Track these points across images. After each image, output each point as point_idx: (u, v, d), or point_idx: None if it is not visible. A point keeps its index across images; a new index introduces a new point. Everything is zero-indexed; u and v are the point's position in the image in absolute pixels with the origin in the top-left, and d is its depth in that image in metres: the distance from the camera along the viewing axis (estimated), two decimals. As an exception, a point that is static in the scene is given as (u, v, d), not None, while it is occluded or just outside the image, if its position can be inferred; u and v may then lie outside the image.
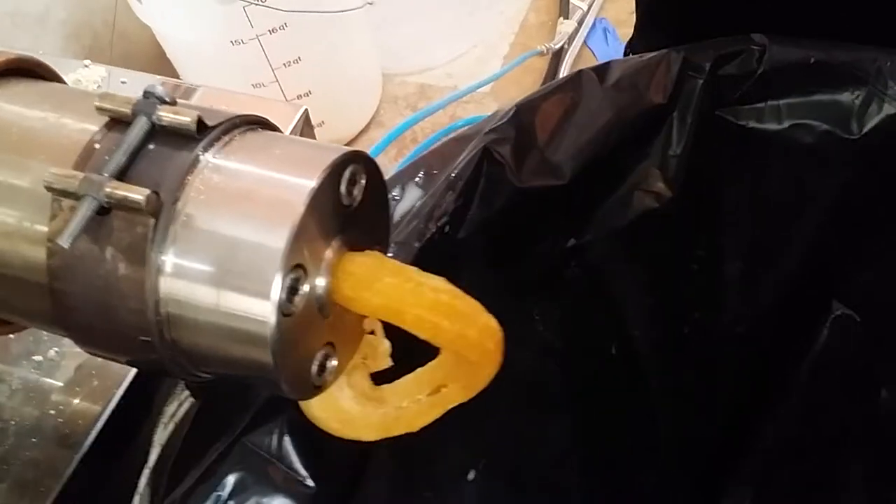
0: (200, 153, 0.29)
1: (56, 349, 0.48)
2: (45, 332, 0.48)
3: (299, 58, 1.01)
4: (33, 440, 0.45)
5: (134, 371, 0.47)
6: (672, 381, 0.53)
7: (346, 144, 1.12)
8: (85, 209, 0.28)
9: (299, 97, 1.05)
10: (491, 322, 0.32)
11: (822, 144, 0.45)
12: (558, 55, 1.17)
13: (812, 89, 0.44)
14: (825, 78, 0.44)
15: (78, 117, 0.31)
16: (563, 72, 1.16)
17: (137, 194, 0.27)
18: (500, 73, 1.11)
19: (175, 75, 1.05)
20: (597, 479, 0.53)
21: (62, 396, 0.47)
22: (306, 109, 0.58)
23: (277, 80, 1.02)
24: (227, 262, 0.28)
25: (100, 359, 0.49)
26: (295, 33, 0.98)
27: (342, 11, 1.00)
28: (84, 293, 0.29)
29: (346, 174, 0.30)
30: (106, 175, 0.28)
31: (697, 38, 0.46)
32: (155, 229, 0.28)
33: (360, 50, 1.11)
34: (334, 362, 0.32)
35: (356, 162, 0.31)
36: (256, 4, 0.92)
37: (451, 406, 0.34)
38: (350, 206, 0.31)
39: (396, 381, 0.35)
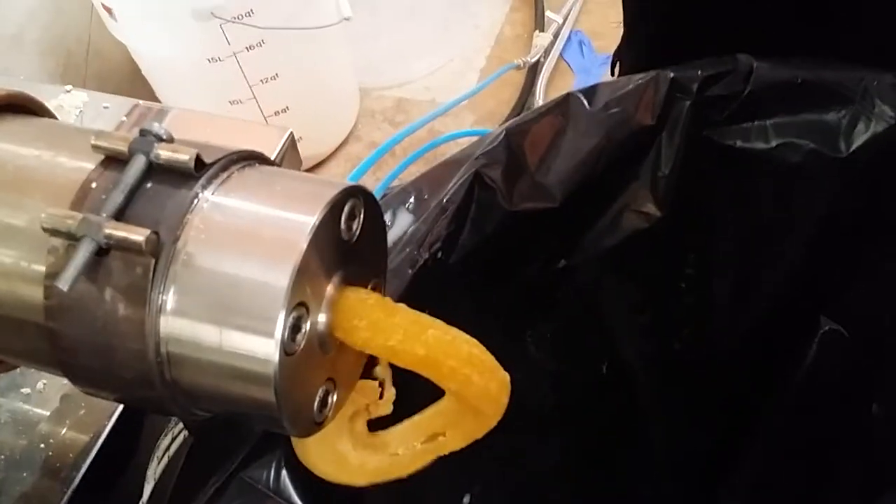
0: (199, 191, 0.29)
1: (44, 381, 0.47)
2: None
3: (277, 74, 1.01)
4: (24, 474, 0.44)
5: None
6: (664, 397, 0.53)
7: (325, 159, 1.13)
8: (84, 251, 0.27)
9: (277, 113, 1.04)
10: (506, 376, 0.32)
11: (810, 163, 0.45)
12: (535, 68, 1.18)
13: (799, 109, 0.45)
14: (812, 97, 0.44)
15: (73, 155, 0.31)
16: (540, 84, 1.16)
17: (137, 235, 0.27)
18: (479, 88, 1.11)
19: (150, 93, 1.04)
20: (592, 496, 0.53)
21: (51, 428, 0.46)
22: (291, 133, 0.57)
23: (255, 97, 1.01)
24: (229, 301, 0.28)
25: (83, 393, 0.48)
26: (272, 50, 0.97)
27: (319, 28, 1.00)
28: (82, 334, 0.29)
29: (346, 209, 0.30)
30: (104, 215, 0.28)
31: (683, 50, 0.46)
32: (155, 269, 0.28)
33: (338, 65, 1.11)
34: (335, 397, 0.32)
35: (355, 196, 0.31)
36: (234, 22, 0.92)
37: (445, 453, 0.34)
38: (349, 241, 0.31)
39: (394, 428, 0.35)
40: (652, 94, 0.45)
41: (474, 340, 0.31)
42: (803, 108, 0.45)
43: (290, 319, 0.28)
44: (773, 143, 0.46)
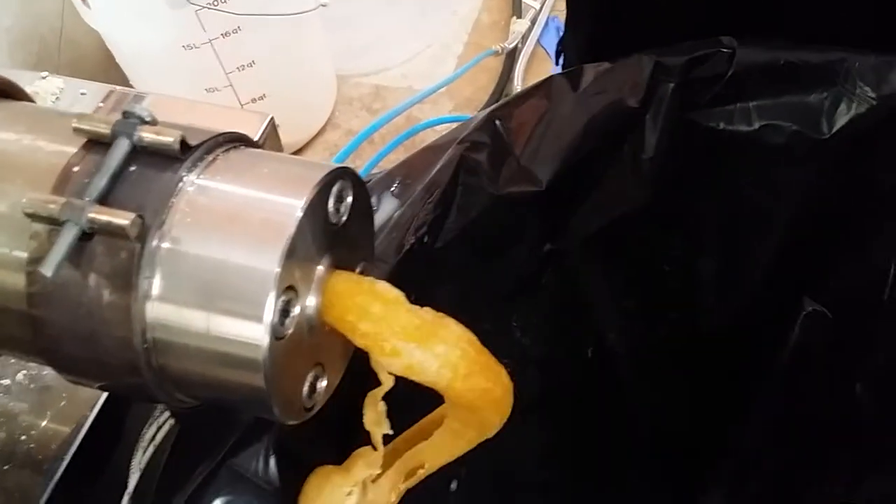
0: (185, 174, 0.28)
1: (24, 372, 0.47)
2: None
3: (253, 61, 0.99)
4: (5, 467, 0.43)
5: (104, 393, 0.46)
6: (649, 381, 0.53)
7: (303, 147, 1.12)
8: (67, 236, 0.27)
9: (254, 100, 1.03)
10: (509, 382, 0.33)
11: (793, 144, 0.45)
12: (512, 54, 1.17)
13: (781, 91, 0.45)
14: (794, 79, 0.45)
15: (54, 139, 0.30)
16: (518, 70, 1.16)
17: (122, 219, 0.27)
18: (457, 75, 1.10)
19: (124, 81, 1.02)
20: (580, 479, 0.53)
21: (32, 420, 0.46)
22: (272, 119, 0.57)
23: (231, 85, 1.00)
24: (216, 285, 0.27)
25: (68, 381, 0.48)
26: (248, 37, 0.96)
27: (296, 14, 0.99)
28: (66, 321, 0.28)
29: (334, 191, 0.30)
30: (88, 199, 0.27)
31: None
32: (141, 254, 0.27)
33: (315, 52, 1.10)
34: (324, 382, 0.32)
35: (343, 179, 0.30)
36: (209, 8, 0.91)
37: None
38: (337, 224, 0.30)
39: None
40: (636, 77, 0.45)
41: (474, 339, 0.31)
42: (786, 90, 0.45)
43: (280, 303, 0.27)
44: (756, 125, 0.46)
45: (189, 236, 0.28)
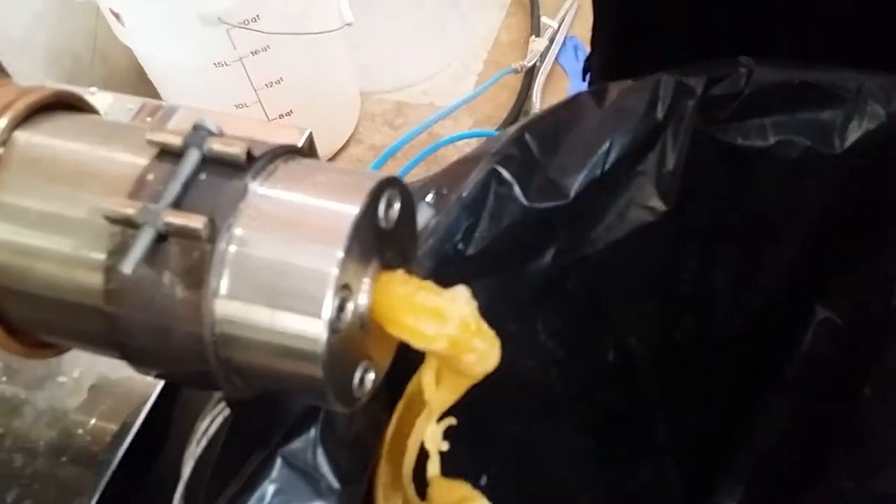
0: (250, 182, 0.31)
1: (78, 370, 0.49)
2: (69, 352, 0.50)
3: (281, 78, 1.03)
4: (62, 459, 0.46)
5: (156, 389, 0.49)
6: (666, 383, 0.56)
7: (328, 161, 1.15)
8: (145, 237, 0.29)
9: (281, 116, 1.07)
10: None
11: (806, 159, 0.48)
12: (531, 72, 1.20)
13: (796, 108, 0.47)
14: (808, 97, 0.47)
15: (127, 149, 0.33)
16: (536, 88, 1.19)
17: (195, 222, 0.29)
18: (478, 93, 1.14)
19: (156, 96, 1.06)
20: (600, 477, 0.55)
21: (86, 416, 0.48)
22: (310, 133, 0.60)
23: (260, 101, 1.04)
24: (279, 284, 0.30)
25: (112, 377, 0.51)
26: (277, 55, 1.00)
27: (322, 32, 1.02)
28: (141, 316, 0.31)
29: (384, 198, 0.32)
30: (163, 204, 0.30)
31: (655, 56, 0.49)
32: (211, 254, 0.30)
33: (340, 69, 1.13)
34: (372, 375, 0.34)
35: (392, 187, 0.33)
36: (240, 27, 0.94)
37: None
38: (386, 228, 0.33)
39: None
40: (658, 95, 0.47)
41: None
42: (800, 107, 0.47)
43: (337, 300, 0.30)
44: (772, 141, 0.48)
45: (255, 239, 0.30)
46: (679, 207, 0.50)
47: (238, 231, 0.30)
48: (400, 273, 0.34)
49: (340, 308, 0.30)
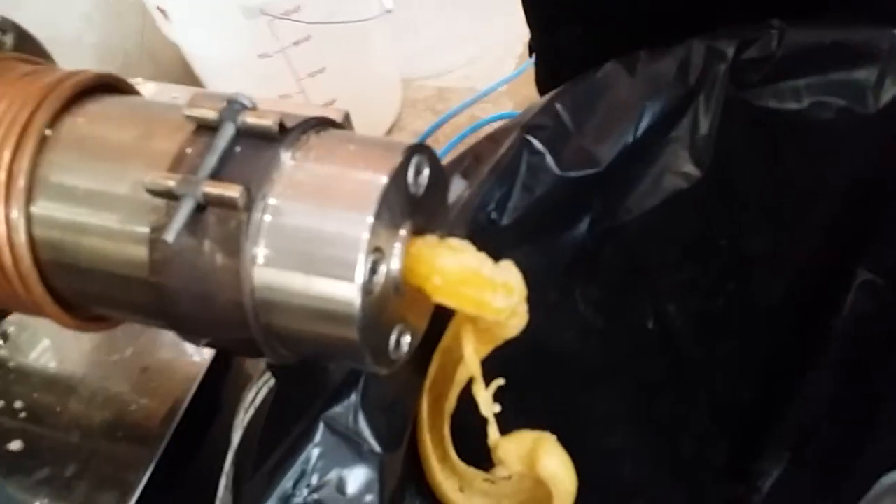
0: (283, 152, 0.32)
1: (130, 349, 0.51)
2: (120, 335, 0.52)
3: (323, 67, 1.04)
4: (117, 435, 0.48)
5: (204, 366, 0.51)
6: (707, 350, 0.56)
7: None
8: (186, 207, 0.31)
9: (325, 105, 1.08)
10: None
11: (841, 120, 0.48)
12: (572, 52, 1.20)
13: (829, 69, 0.47)
14: (841, 57, 0.47)
15: (166, 126, 0.34)
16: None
17: (232, 191, 0.31)
18: (516, 74, 1.14)
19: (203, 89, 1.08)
20: (643, 446, 0.56)
21: (139, 394, 0.50)
22: (347, 113, 0.61)
23: (303, 91, 1.05)
24: (313, 249, 0.31)
25: (164, 357, 0.52)
26: (318, 44, 1.01)
27: (362, 20, 1.03)
28: (184, 285, 0.32)
29: (413, 165, 0.33)
30: (202, 175, 0.31)
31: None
32: (248, 223, 0.31)
33: (381, 56, 1.14)
34: (408, 338, 0.35)
35: (420, 153, 0.34)
36: (282, 18, 0.96)
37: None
38: (416, 195, 0.34)
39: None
40: (689, 61, 0.48)
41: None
42: (833, 67, 0.47)
43: (369, 263, 0.31)
44: (806, 103, 0.48)
45: (288, 207, 0.31)
46: (714, 173, 0.50)
47: (272, 200, 0.31)
48: (430, 237, 0.34)
49: (373, 271, 0.31)
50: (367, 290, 0.31)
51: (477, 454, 0.44)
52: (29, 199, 0.34)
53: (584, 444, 0.52)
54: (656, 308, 0.54)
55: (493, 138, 0.47)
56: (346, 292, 0.31)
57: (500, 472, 0.44)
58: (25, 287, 0.35)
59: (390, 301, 0.33)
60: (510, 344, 0.40)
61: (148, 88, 0.62)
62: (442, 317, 0.38)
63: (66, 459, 0.47)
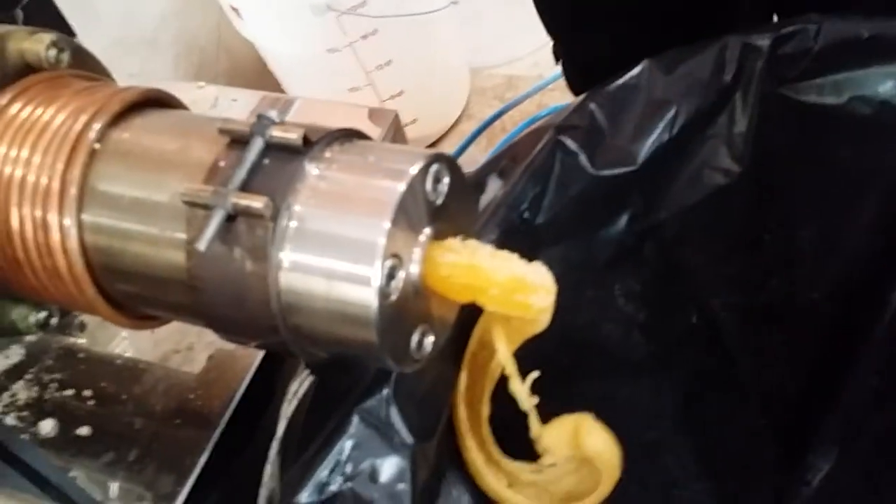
0: (307, 164, 0.34)
1: (191, 341, 0.55)
2: (183, 330, 0.55)
3: (390, 60, 1.07)
4: (177, 421, 0.51)
5: (258, 358, 0.53)
6: (753, 343, 0.56)
7: (439, 139, 1.18)
8: (216, 218, 0.33)
9: (392, 97, 1.10)
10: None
11: (882, 114, 0.47)
12: (641, 37, 1.19)
13: (867, 63, 0.47)
14: (879, 50, 0.46)
15: (203, 139, 0.36)
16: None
17: (258, 202, 0.33)
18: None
19: (277, 85, 1.11)
20: (688, 438, 0.56)
21: (197, 382, 0.53)
22: (396, 115, 0.63)
23: (371, 83, 1.08)
24: (333, 255, 0.33)
25: (227, 348, 0.55)
26: (385, 37, 1.03)
27: (428, 13, 1.05)
28: (218, 288, 0.35)
29: (431, 174, 0.35)
30: (231, 188, 0.33)
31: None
32: (273, 231, 0.33)
33: (448, 47, 1.16)
34: (431, 338, 0.37)
35: (439, 162, 0.35)
36: (349, 13, 0.98)
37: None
38: (435, 202, 0.35)
39: None
40: (724, 58, 0.48)
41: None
42: (871, 61, 0.47)
43: (386, 268, 0.32)
44: (846, 97, 0.48)
45: (311, 215, 0.33)
46: (754, 168, 0.50)
47: (296, 209, 0.33)
48: (448, 240, 0.36)
49: (391, 276, 0.33)
50: (384, 294, 0.33)
51: (518, 446, 0.46)
52: (80, 207, 0.37)
53: (627, 437, 0.53)
54: (699, 303, 0.55)
55: (530, 139, 0.48)
56: (364, 296, 0.33)
57: (546, 460, 0.46)
58: (79, 289, 0.37)
59: (410, 303, 0.35)
60: (551, 338, 0.41)
61: (209, 92, 0.65)
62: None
63: (129, 444, 0.50)
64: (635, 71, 0.48)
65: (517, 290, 0.36)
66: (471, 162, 1.04)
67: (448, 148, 1.18)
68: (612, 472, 0.47)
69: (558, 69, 1.18)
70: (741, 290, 0.55)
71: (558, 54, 0.59)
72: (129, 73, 1.00)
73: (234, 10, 1.01)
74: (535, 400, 0.43)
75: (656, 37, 0.48)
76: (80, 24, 0.66)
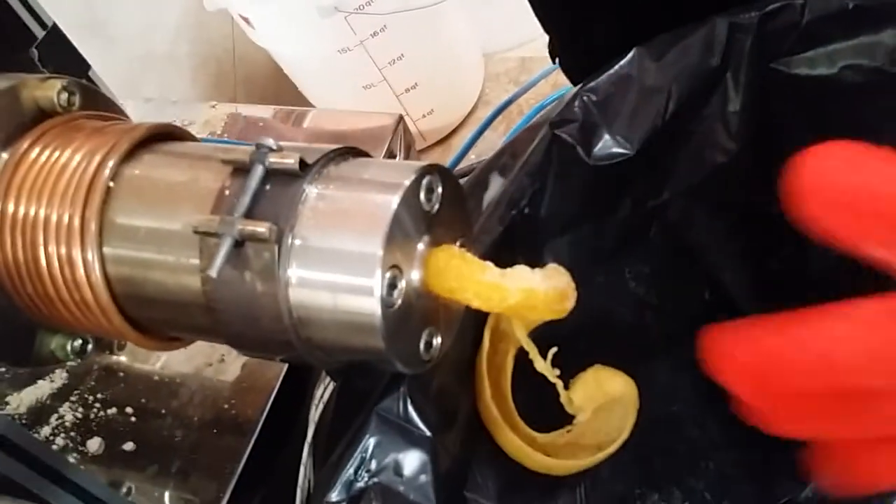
0: (306, 186, 0.36)
1: (223, 354, 0.57)
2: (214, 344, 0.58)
3: (402, 55, 1.08)
4: (214, 431, 0.54)
5: (286, 365, 0.56)
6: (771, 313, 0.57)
7: (457, 127, 1.19)
8: (225, 245, 0.35)
9: (407, 90, 1.12)
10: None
11: (874, 82, 0.48)
12: (651, 9, 1.19)
13: (856, 33, 0.47)
14: (866, 20, 0.47)
15: (209, 169, 0.39)
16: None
17: (262, 228, 0.35)
18: (594, 37, 1.14)
19: (294, 90, 1.13)
20: (711, 410, 0.57)
21: (231, 391, 0.56)
22: (401, 115, 0.64)
23: (385, 79, 1.09)
24: (336, 270, 0.35)
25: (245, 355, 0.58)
26: (394, 33, 1.05)
27: (435, 3, 1.06)
28: (233, 310, 0.37)
29: (424, 185, 0.36)
30: (237, 215, 0.35)
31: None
32: (279, 253, 0.35)
33: (459, 35, 1.17)
34: (438, 340, 0.39)
35: (431, 173, 0.37)
36: (356, 13, 1.00)
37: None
38: (430, 211, 0.37)
39: None
40: (712, 39, 0.49)
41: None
42: (860, 31, 0.47)
43: (387, 279, 0.34)
44: (837, 68, 0.48)
45: (313, 234, 0.35)
46: (754, 145, 0.51)
47: (299, 230, 0.35)
48: (447, 247, 0.38)
49: (392, 286, 0.35)
50: (386, 303, 0.35)
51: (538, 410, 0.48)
52: (101, 242, 0.39)
53: (648, 412, 0.54)
54: (710, 279, 0.56)
55: (528, 133, 0.50)
56: (367, 306, 0.35)
57: (580, 418, 0.50)
58: (107, 318, 0.40)
59: (415, 309, 0.37)
60: (564, 326, 0.42)
61: (222, 111, 0.68)
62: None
63: (172, 455, 0.53)
64: (625, 60, 0.49)
65: (532, 305, 0.38)
66: (490, 147, 1.05)
67: (467, 134, 1.18)
68: (634, 407, 0.52)
69: (570, 48, 1.19)
70: (751, 262, 0.56)
71: (554, 53, 0.60)
72: (149, 90, 1.03)
73: (245, 19, 1.03)
74: (558, 371, 0.45)
75: (652, 24, 0.49)
76: (96, 49, 0.68)
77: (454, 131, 1.20)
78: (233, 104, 0.69)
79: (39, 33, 0.61)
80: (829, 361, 0.31)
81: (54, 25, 0.62)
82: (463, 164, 1.05)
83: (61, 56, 0.62)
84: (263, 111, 0.68)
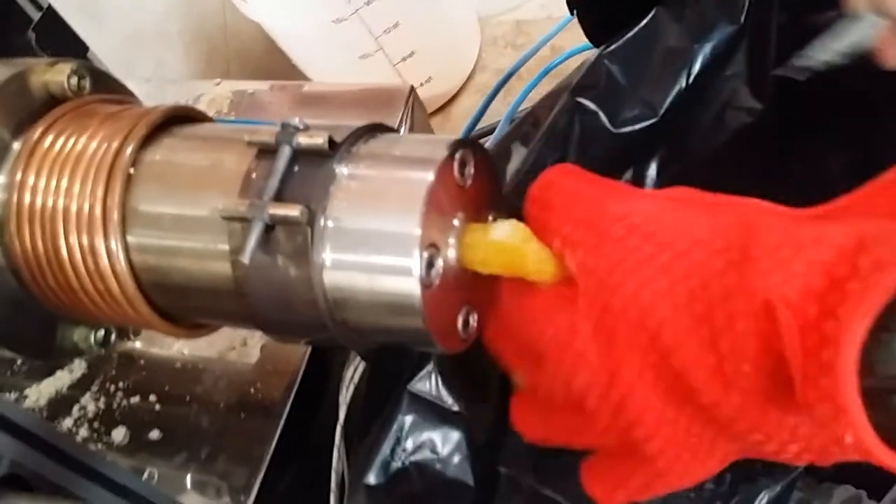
0: (336, 166, 0.35)
1: (245, 337, 0.56)
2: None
3: (397, 22, 1.06)
4: (241, 415, 0.53)
5: (310, 347, 0.55)
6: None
7: (456, 93, 1.17)
8: (256, 230, 0.34)
9: (404, 59, 1.10)
10: None
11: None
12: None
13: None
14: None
15: (233, 152, 0.37)
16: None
17: (294, 211, 0.34)
18: (592, -2, 1.12)
19: (288, 63, 1.11)
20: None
21: (256, 375, 0.55)
22: (412, 86, 0.63)
23: (382, 48, 1.07)
24: (373, 251, 0.34)
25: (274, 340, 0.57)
26: (389, 0, 1.03)
27: (429, -30, 1.04)
28: (265, 294, 0.36)
29: (457, 160, 0.35)
30: (266, 199, 0.34)
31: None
32: (312, 235, 0.34)
33: (453, 1, 1.15)
34: (475, 316, 0.38)
35: (463, 148, 0.36)
36: (349, -19, 0.98)
37: None
38: (464, 186, 0.36)
39: None
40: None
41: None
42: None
43: (425, 258, 0.33)
44: (865, 21, 0.47)
45: (347, 215, 0.34)
46: (778, 102, 0.50)
47: (331, 211, 0.34)
48: (481, 224, 0.37)
49: (430, 265, 0.34)
50: (425, 282, 0.34)
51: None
52: (124, 230, 0.38)
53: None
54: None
55: (548, 101, 0.49)
56: (407, 286, 0.34)
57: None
58: (134, 308, 0.39)
59: (452, 287, 0.36)
60: None
61: (226, 87, 0.66)
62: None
63: (199, 441, 0.52)
64: (646, 21, 0.48)
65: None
66: (494, 114, 1.03)
67: (467, 103, 1.17)
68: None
69: (567, 9, 1.17)
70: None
71: (572, 3, 0.58)
72: (142, 69, 1.01)
73: (237, -8, 1.01)
74: None
75: None
76: (90, 28, 0.66)
77: (453, 98, 1.18)
78: (235, 81, 0.67)
79: (35, 15, 0.59)
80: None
81: (49, 6, 0.60)
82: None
83: (59, 38, 0.60)
84: (263, 87, 0.67)
